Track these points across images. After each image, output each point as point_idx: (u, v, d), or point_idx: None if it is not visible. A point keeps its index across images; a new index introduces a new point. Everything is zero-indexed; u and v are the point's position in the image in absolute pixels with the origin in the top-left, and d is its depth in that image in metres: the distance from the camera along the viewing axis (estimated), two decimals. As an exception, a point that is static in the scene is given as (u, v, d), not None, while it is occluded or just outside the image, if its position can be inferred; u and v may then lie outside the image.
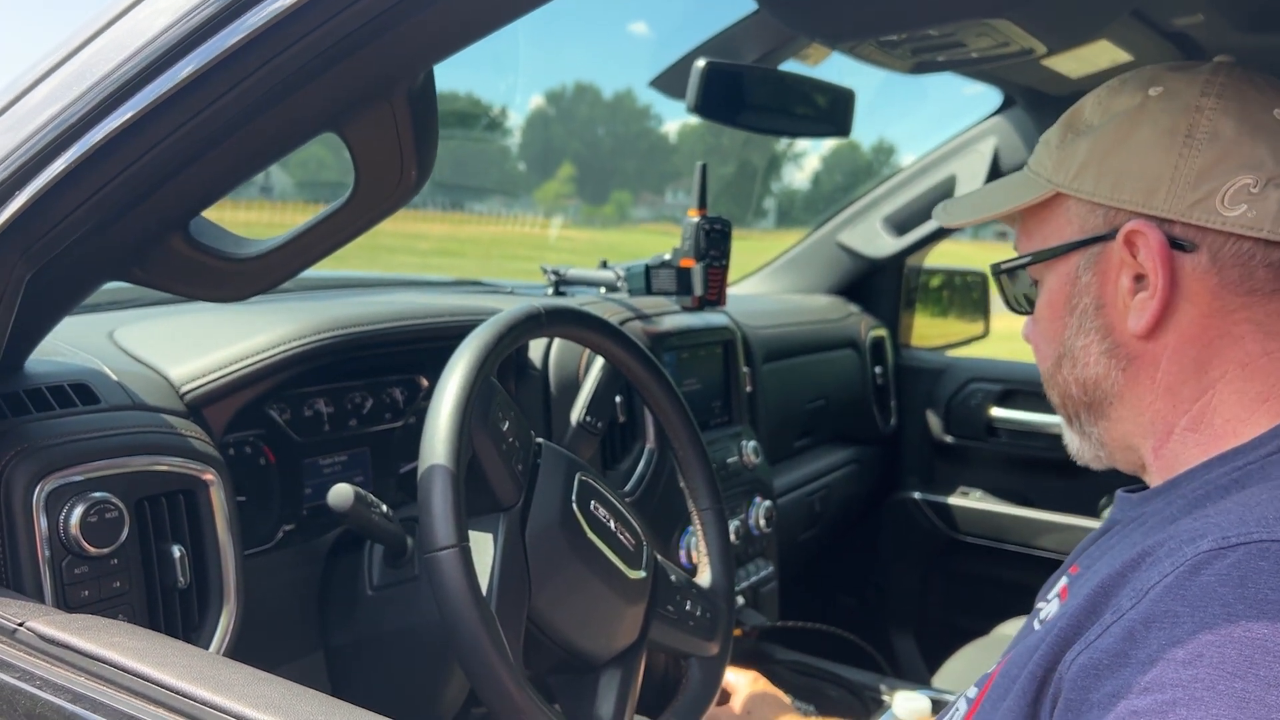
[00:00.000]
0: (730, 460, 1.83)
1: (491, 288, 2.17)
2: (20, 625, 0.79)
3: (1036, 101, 2.16)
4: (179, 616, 1.05)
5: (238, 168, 0.89)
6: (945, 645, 2.53)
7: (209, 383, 1.14)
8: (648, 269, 1.73)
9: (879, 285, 2.71)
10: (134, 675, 0.72)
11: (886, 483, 2.70)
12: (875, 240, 2.59)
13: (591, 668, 1.17)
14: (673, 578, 1.29)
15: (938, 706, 1.68)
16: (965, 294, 3.08)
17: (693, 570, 1.42)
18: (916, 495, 2.67)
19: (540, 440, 1.20)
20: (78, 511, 0.96)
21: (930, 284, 2.93)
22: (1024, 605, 2.45)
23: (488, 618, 0.98)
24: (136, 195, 0.87)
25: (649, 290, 1.77)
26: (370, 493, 1.45)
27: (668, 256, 1.79)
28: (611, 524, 1.20)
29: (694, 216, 1.75)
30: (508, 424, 1.12)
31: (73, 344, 1.17)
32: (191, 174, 0.88)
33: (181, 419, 1.10)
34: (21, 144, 0.82)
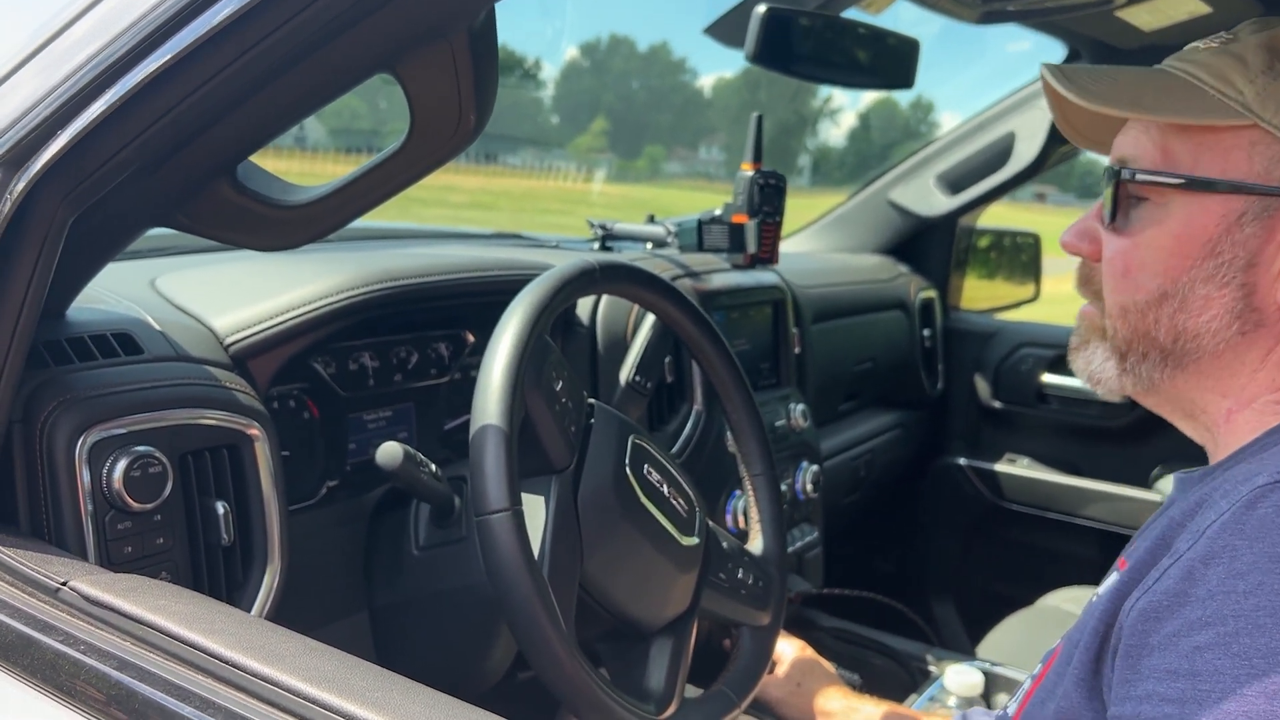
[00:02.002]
0: (778, 423, 1.79)
1: (532, 241, 2.12)
2: (64, 585, 0.76)
3: (1103, 56, 2.07)
4: (222, 575, 1.03)
5: (289, 110, 0.84)
6: (986, 614, 2.49)
7: (254, 334, 1.10)
8: (700, 224, 1.67)
9: (929, 245, 2.64)
10: (183, 642, 0.69)
11: (931, 448, 2.65)
12: (928, 198, 2.52)
13: (642, 636, 1.14)
14: (724, 545, 1.26)
15: (989, 680, 1.64)
16: (1016, 255, 3.00)
17: (741, 536, 1.38)
18: (962, 461, 2.61)
19: (593, 401, 1.16)
20: (121, 465, 0.93)
21: (979, 244, 2.85)
22: (1070, 575, 2.40)
23: (540, 584, 0.94)
24: (181, 138, 0.83)
25: (700, 246, 1.72)
26: (415, 450, 1.42)
27: (718, 212, 1.73)
28: (664, 488, 1.16)
29: (748, 170, 1.69)
30: (561, 384, 1.08)
31: (115, 292, 1.14)
32: (239, 116, 0.84)
33: (226, 371, 1.07)
34: (61, 83, 0.78)
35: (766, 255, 1.71)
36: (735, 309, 1.76)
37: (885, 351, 2.39)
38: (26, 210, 0.81)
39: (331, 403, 1.28)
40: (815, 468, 1.84)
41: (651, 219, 1.87)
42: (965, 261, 2.73)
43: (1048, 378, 2.50)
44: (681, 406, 1.63)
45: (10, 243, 0.81)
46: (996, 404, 2.59)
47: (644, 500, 1.12)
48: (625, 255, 1.73)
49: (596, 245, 1.90)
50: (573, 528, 1.06)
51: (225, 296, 1.16)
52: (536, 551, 1.01)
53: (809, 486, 1.82)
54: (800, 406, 1.84)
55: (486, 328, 1.53)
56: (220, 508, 1.02)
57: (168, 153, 0.84)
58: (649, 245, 1.89)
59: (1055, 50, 2.26)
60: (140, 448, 0.94)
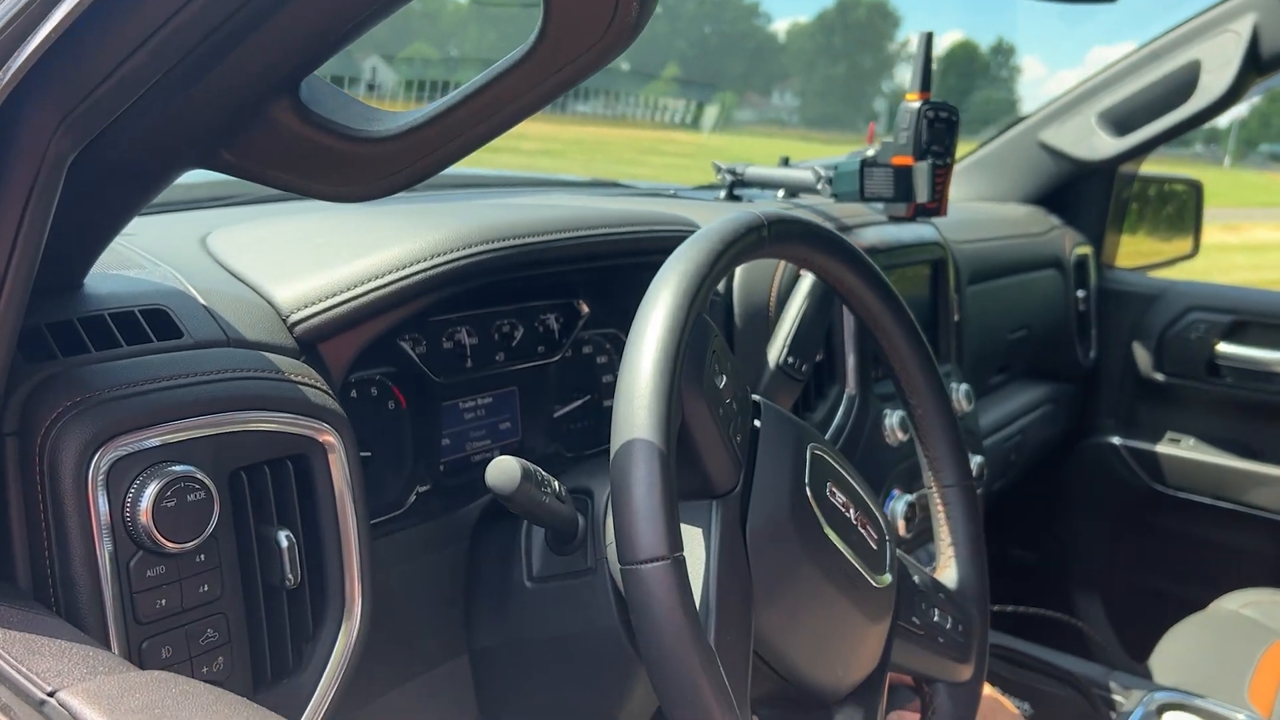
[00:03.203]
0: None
1: (637, 190, 1.85)
2: (51, 695, 0.52)
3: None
4: (287, 628, 0.79)
5: (372, -5, 0.58)
6: (1139, 613, 2.19)
7: (329, 309, 0.85)
8: (864, 166, 1.37)
9: (1085, 194, 2.31)
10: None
11: (1080, 426, 2.34)
12: (1088, 140, 2.18)
13: (823, 705, 0.88)
14: (916, 579, 0.99)
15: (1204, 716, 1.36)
16: (1172, 206, 2.65)
17: (924, 559, 1.11)
18: (1115, 440, 2.30)
19: (758, 398, 0.90)
20: (151, 491, 0.68)
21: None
22: (1243, 574, 2.08)
23: (705, 653, 0.69)
24: (219, 40, 0.57)
25: (862, 194, 1.42)
26: (518, 442, 1.17)
27: (872, 152, 1.44)
28: (852, 513, 0.89)
29: (914, 101, 1.39)
30: (724, 380, 0.82)
31: (152, 253, 0.89)
32: (303, 6, 0.58)
33: (290, 359, 0.82)
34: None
35: (934, 206, 1.41)
36: (891, 270, 1.47)
37: (1040, 317, 2.09)
38: (5, 136, 0.56)
39: (422, 390, 1.03)
40: (979, 458, 1.55)
41: (785, 161, 1.59)
42: (1124, 213, 2.40)
43: (1223, 347, 2.17)
44: (830, 389, 1.36)
45: (-21, 188, 0.56)
46: (1158, 376, 2.26)
47: (828, 531, 0.85)
48: (767, 205, 1.45)
49: (723, 194, 1.62)
50: (741, 571, 0.80)
51: (291, 259, 0.91)
52: (698, 602, 0.75)
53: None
54: (964, 387, 1.55)
55: (603, 296, 1.27)
56: (283, 539, 0.77)
57: (201, 61, 0.59)
58: (780, 193, 1.61)
59: None
60: (177, 467, 0.70)
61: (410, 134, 0.66)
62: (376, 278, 0.86)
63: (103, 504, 0.68)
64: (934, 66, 1.42)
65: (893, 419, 1.39)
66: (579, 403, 1.23)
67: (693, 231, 1.13)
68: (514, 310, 1.14)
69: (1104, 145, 2.16)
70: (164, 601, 0.70)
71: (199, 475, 0.71)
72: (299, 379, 0.80)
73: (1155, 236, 2.64)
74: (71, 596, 0.67)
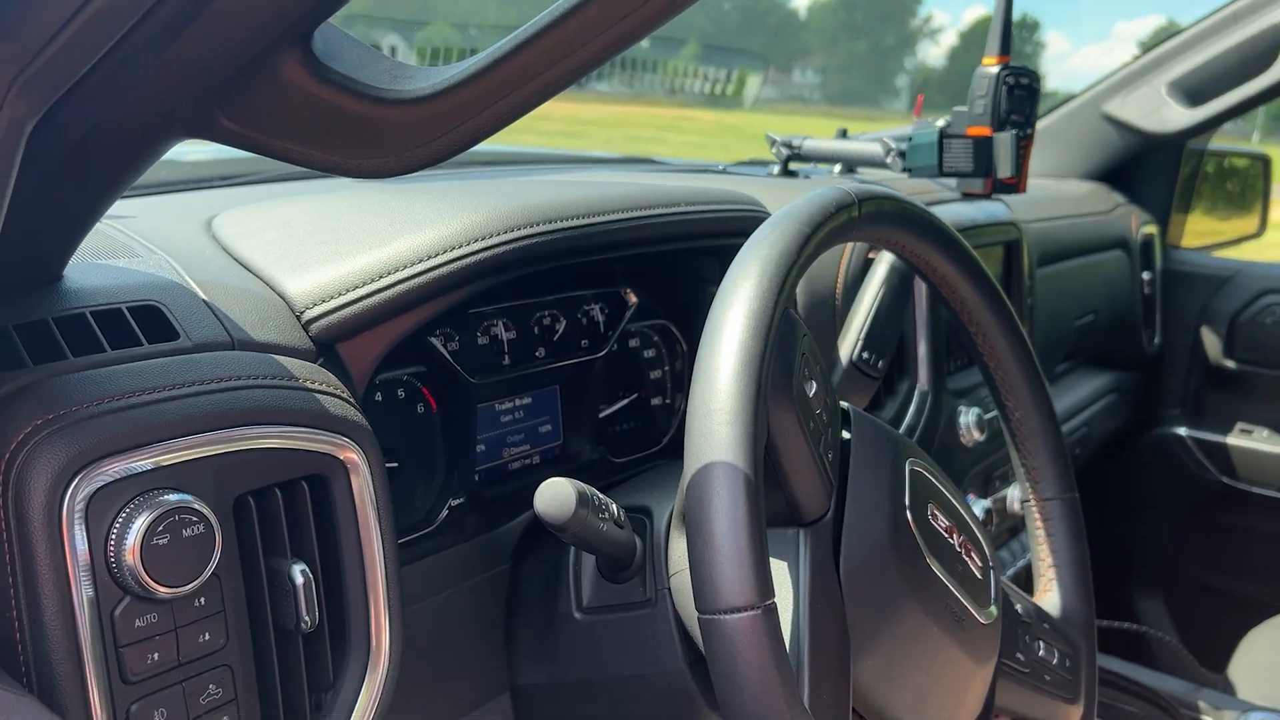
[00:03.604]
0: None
1: (670, 166, 1.72)
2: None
3: None
4: (303, 677, 0.67)
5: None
6: (1207, 615, 2.06)
7: (350, 303, 0.73)
8: (943, 137, 1.24)
9: (1151, 169, 2.17)
10: None
11: (1143, 416, 2.20)
12: (1158, 112, 2.04)
13: None
14: (1018, 607, 0.87)
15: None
16: (1234, 182, 2.50)
17: (1015, 579, 0.99)
18: (1181, 431, 2.16)
19: (847, 406, 0.77)
20: (139, 526, 0.57)
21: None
22: (1321, 574, 1.95)
23: (799, 715, 0.57)
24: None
25: (940, 168, 1.29)
26: (560, 446, 1.05)
27: (941, 123, 1.31)
28: (955, 539, 0.77)
29: (991, 66, 1.26)
30: (814, 386, 0.70)
31: (148, 238, 0.78)
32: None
33: (305, 362, 0.70)
34: None
35: (1013, 181, 1.28)
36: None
37: (1107, 301, 1.95)
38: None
39: (455, 391, 0.92)
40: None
41: (843, 133, 1.46)
42: (1191, 191, 2.25)
43: (1302, 333, 2.03)
44: (900, 385, 1.24)
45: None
46: (1229, 363, 2.12)
47: (930, 562, 0.73)
48: (847, 182, 1.32)
49: (776, 169, 1.49)
50: (836, 614, 0.68)
51: (307, 246, 0.79)
52: (788, 650, 0.64)
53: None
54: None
55: (652, 285, 1.15)
56: (298, 574, 0.66)
57: (185, 4, 0.47)
58: (835, 169, 1.48)
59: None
60: (171, 495, 0.59)
61: (448, 93, 0.54)
62: (406, 267, 0.74)
63: (80, 541, 0.56)
64: (958, 43, 1.28)
65: (968, 417, 1.26)
66: (625, 401, 1.12)
67: (762, 212, 1.01)
68: (555, 301, 1.02)
69: (1175, 117, 2.02)
70: (156, 655, 0.59)
71: (197, 505, 0.60)
72: (316, 386, 0.69)
73: (1216, 214, 2.49)
74: (43, 654, 0.56)
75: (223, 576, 0.62)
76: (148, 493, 0.58)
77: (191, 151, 1.40)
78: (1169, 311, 2.18)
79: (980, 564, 0.79)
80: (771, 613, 0.58)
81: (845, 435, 0.75)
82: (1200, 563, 2.19)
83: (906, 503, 0.73)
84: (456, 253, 0.75)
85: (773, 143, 1.48)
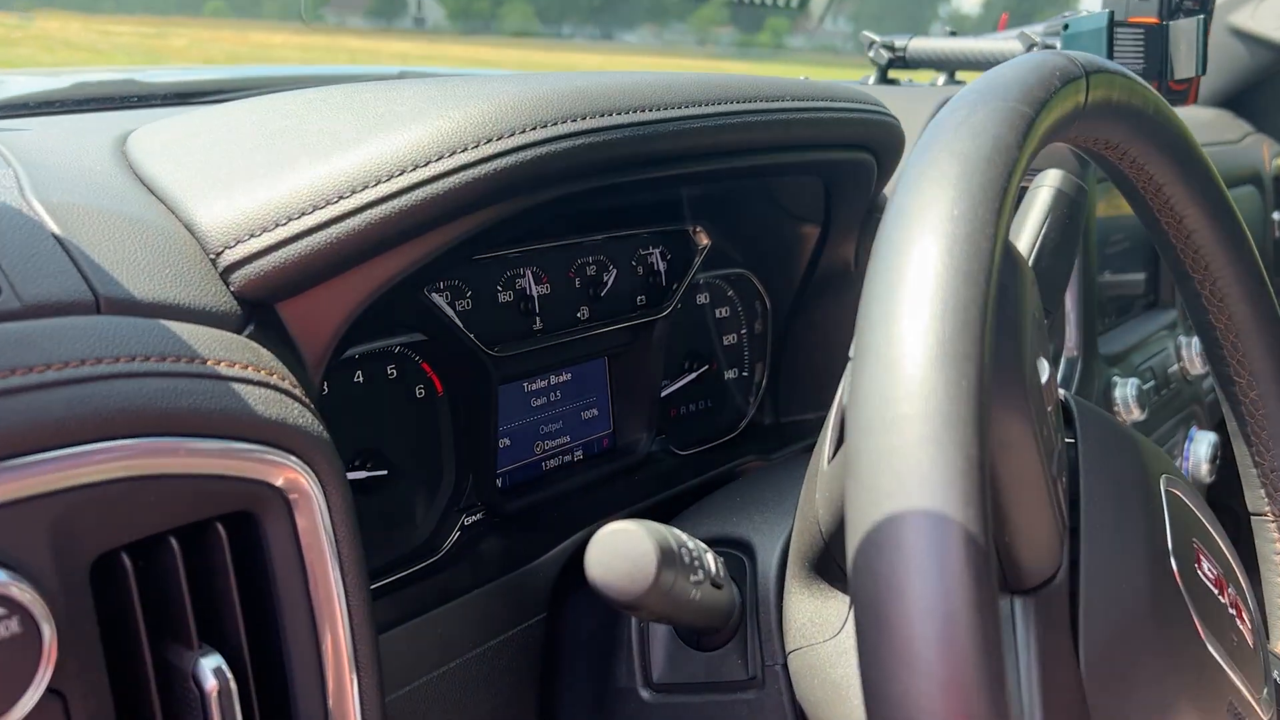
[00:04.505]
0: (1170, 369, 1.10)
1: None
2: None
3: None
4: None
5: None
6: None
7: (294, 237, 0.47)
8: (1112, 23, 0.94)
9: (1283, 92, 1.86)
10: None
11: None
12: (1300, 22, 1.73)
13: None
14: (1277, 675, 0.60)
15: None
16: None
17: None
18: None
19: (1067, 396, 0.51)
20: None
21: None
22: None
23: None
24: None
25: (1106, 67, 1.01)
26: (610, 437, 0.80)
27: (1087, 10, 1.02)
28: (1225, 596, 0.51)
29: (1157, -64, 0.97)
30: (1047, 370, 0.43)
31: (13, 149, 0.52)
32: None
33: (224, 332, 0.45)
34: None
35: (1183, 88, 0.99)
36: (1105, 181, 1.07)
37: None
38: None
39: (467, 367, 0.66)
40: (1214, 436, 1.15)
41: (953, 33, 1.18)
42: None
43: None
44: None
45: None
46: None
47: (1204, 636, 0.47)
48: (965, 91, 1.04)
49: (872, 78, 1.21)
50: (1078, 711, 0.42)
51: (239, 154, 0.53)
52: None
53: (1204, 469, 1.14)
54: (1195, 341, 1.14)
55: (729, 225, 0.89)
56: (207, 673, 0.41)
57: None
58: (939, 79, 1.21)
59: None
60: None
61: None
62: (378, 181, 0.48)
63: None
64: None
65: (1126, 389, 0.99)
66: (693, 376, 0.86)
67: (882, 111, 0.74)
68: (602, 243, 0.76)
69: (1323, 25, 1.71)
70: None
71: (15, 586, 0.34)
72: (236, 370, 0.43)
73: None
74: None
75: (69, 695, 0.37)
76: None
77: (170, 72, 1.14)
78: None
79: (1250, 628, 0.53)
80: None
81: (1073, 443, 0.48)
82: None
83: (1169, 547, 0.47)
84: (458, 159, 0.48)
85: (870, 44, 1.20)
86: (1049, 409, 0.43)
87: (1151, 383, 1.04)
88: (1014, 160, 0.41)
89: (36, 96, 0.87)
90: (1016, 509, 0.40)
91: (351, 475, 0.62)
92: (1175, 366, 1.11)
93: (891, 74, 1.20)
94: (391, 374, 0.65)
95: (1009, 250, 0.44)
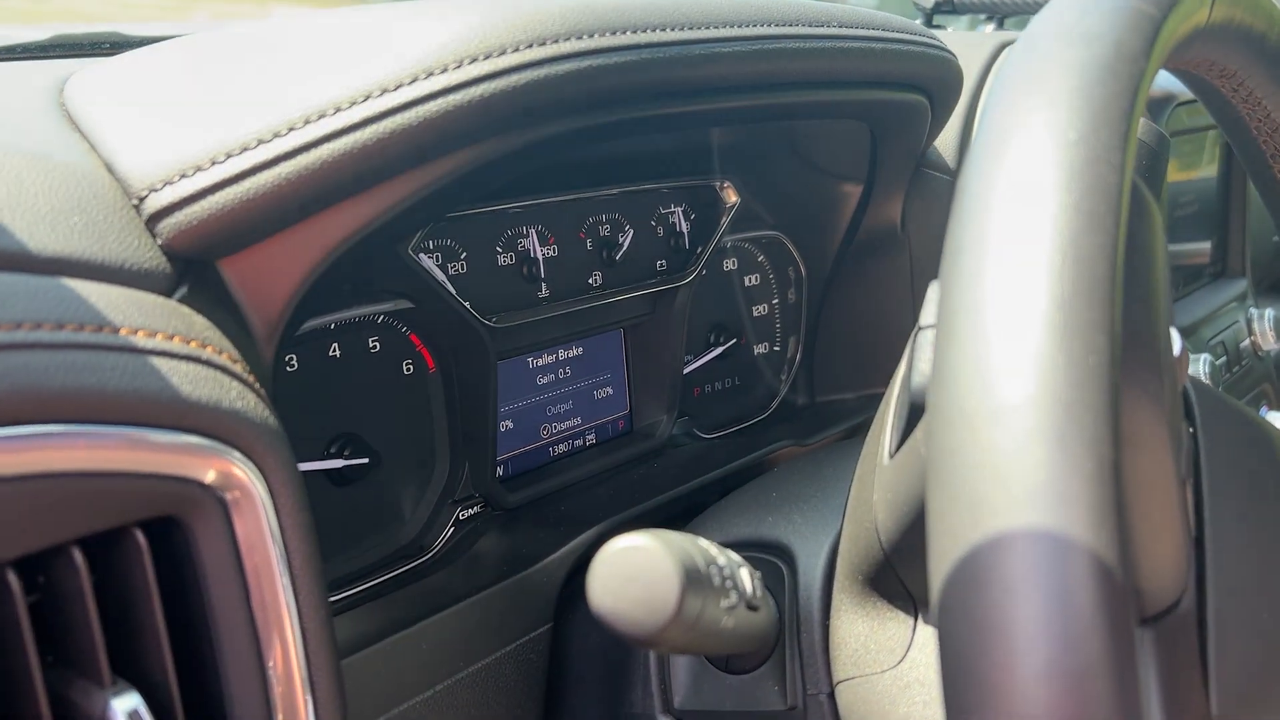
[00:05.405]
0: (1242, 344, 1.01)
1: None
2: None
3: None
4: None
5: None
6: None
7: (235, 177, 0.39)
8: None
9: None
10: None
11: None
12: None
13: None
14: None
15: None
16: None
17: None
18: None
19: (1191, 379, 0.42)
20: None
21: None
22: None
23: None
24: None
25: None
26: (626, 418, 0.72)
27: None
28: None
29: None
30: (1179, 343, 0.35)
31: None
32: None
33: (148, 294, 0.36)
34: None
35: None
36: (1175, 136, 0.97)
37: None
38: None
39: (463, 339, 0.58)
40: (1289, 419, 1.05)
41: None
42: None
43: None
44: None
45: None
46: None
47: None
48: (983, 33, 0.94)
49: (919, 21, 1.12)
50: None
51: (173, 91, 0.44)
52: None
53: None
54: (1270, 314, 1.05)
55: (759, 180, 0.79)
56: (120, 717, 0.33)
57: None
58: (989, 25, 1.11)
59: None
60: None
61: None
62: (335, 110, 0.39)
63: None
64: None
65: (1199, 366, 0.90)
66: (719, 350, 0.77)
67: (940, 45, 0.64)
68: (618, 199, 0.67)
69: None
70: None
71: None
72: (158, 343, 0.35)
73: None
74: None
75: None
76: None
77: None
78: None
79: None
80: None
81: (1195, 434, 0.40)
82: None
83: None
84: (433, 83, 0.39)
85: (908, -20, 1.10)
86: (1176, 390, 0.35)
87: (1223, 358, 0.94)
88: (1140, 72, 0.32)
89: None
90: (1142, 521, 0.32)
91: (327, 464, 0.54)
92: (1246, 341, 1.02)
93: (936, 21, 1.10)
94: (374, 347, 0.56)
95: (1135, 187, 0.35)
